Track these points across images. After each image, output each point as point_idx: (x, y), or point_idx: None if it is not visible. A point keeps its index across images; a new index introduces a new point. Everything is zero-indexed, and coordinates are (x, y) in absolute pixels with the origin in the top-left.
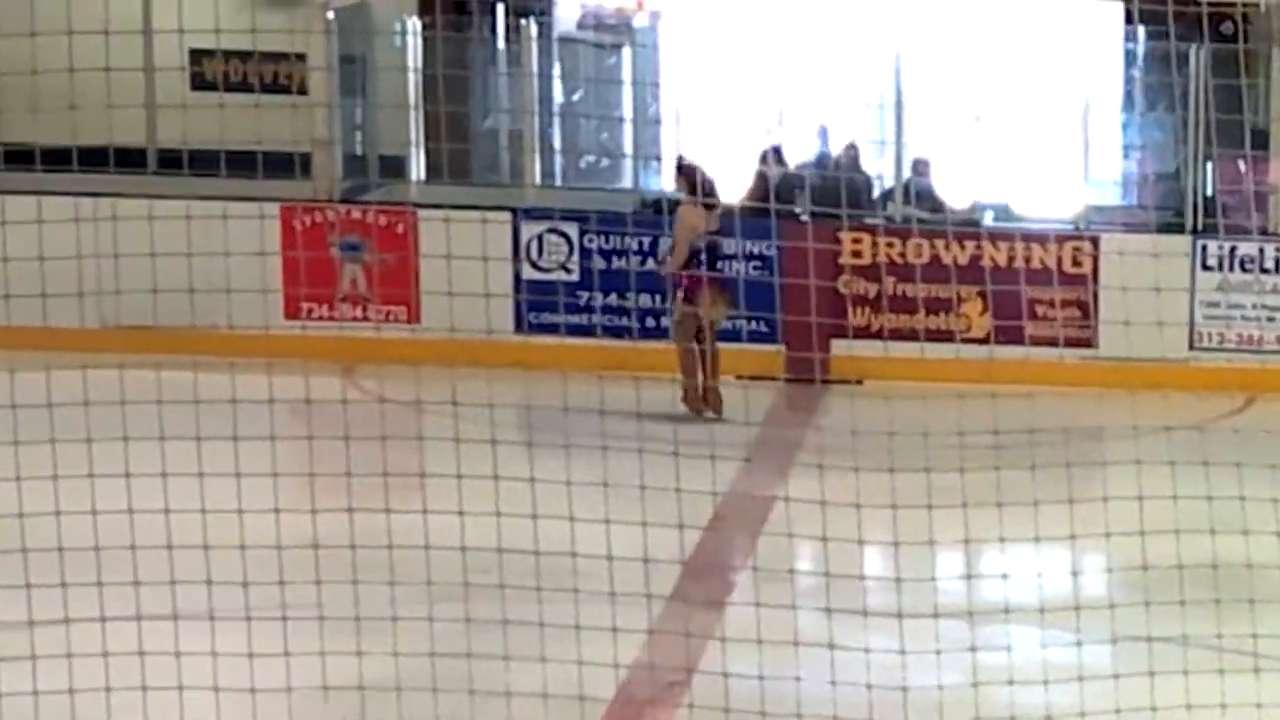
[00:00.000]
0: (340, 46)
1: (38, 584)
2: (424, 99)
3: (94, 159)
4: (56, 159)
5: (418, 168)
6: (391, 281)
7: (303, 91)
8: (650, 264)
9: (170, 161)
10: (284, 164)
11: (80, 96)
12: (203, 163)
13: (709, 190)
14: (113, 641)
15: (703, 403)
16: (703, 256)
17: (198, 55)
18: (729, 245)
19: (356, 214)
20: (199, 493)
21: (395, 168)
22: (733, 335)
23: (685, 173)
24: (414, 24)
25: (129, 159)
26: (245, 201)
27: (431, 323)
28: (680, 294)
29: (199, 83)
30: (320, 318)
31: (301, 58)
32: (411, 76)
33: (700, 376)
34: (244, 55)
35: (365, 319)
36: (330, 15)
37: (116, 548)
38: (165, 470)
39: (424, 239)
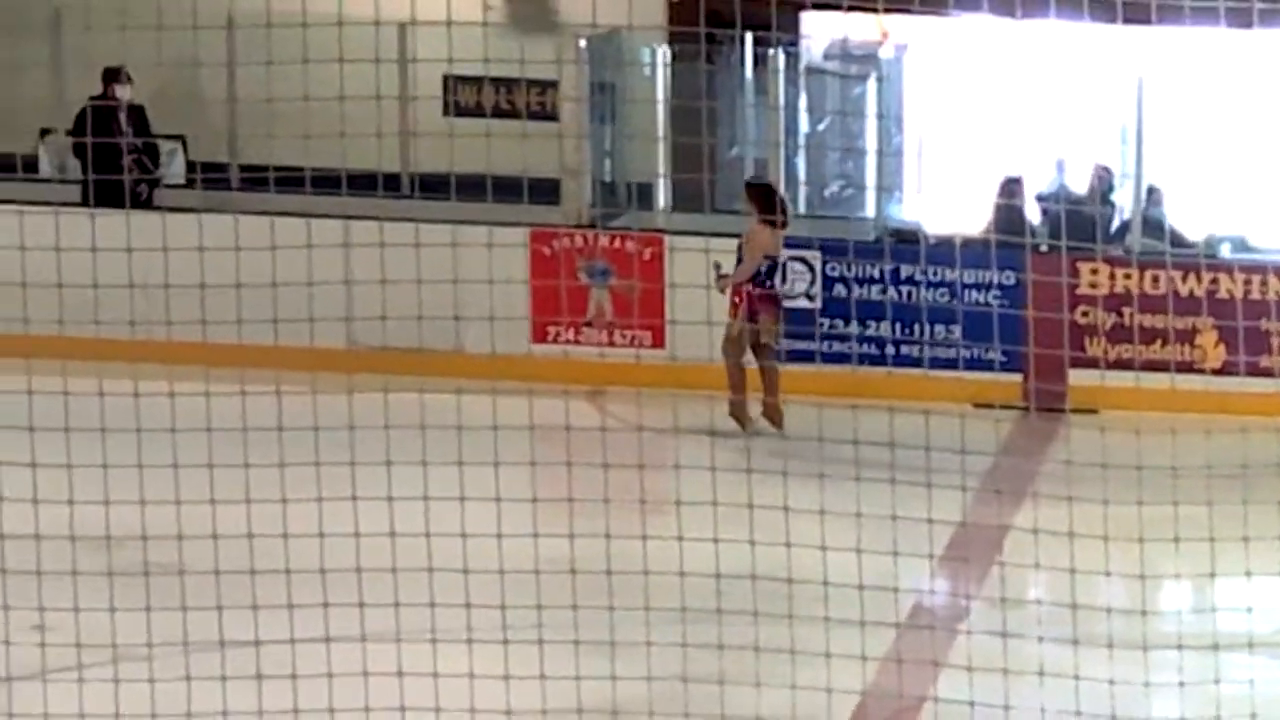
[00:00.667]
0: (591, 74)
1: (300, 604)
2: (672, 127)
3: (357, 183)
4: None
5: (665, 195)
6: (639, 308)
7: (554, 118)
8: (891, 294)
9: (424, 186)
10: (535, 190)
11: (341, 123)
12: (457, 188)
13: (781, 210)
14: (372, 662)
15: (761, 418)
16: (763, 275)
17: (453, 82)
18: (970, 275)
19: (605, 240)
20: (459, 515)
21: (643, 195)
22: (972, 364)
23: (757, 192)
24: (663, 52)
25: (387, 184)
26: (497, 226)
27: (677, 348)
28: (739, 311)
29: (454, 109)
30: (567, 342)
31: (554, 85)
32: (660, 105)
33: (748, 393)
34: (499, 82)
35: (611, 344)
36: (582, 44)
37: (377, 570)
38: (427, 494)
39: (670, 266)
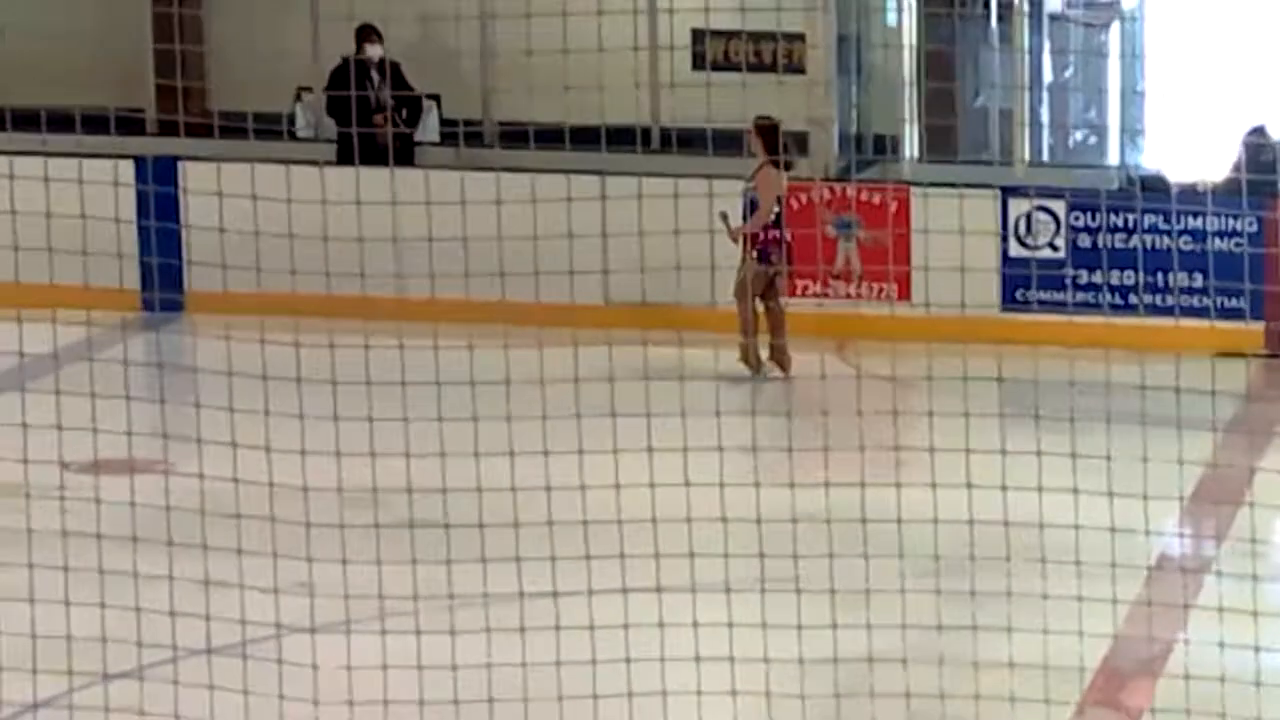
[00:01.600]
0: (838, 25)
1: (527, 557)
2: (917, 77)
3: (588, 137)
4: (550, 137)
5: (911, 146)
6: (883, 259)
7: (800, 71)
8: (1133, 241)
9: (669, 140)
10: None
11: (582, 77)
12: (704, 141)
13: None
14: (632, 614)
15: (769, 361)
16: (777, 217)
17: (698, 35)
18: (1214, 222)
19: (850, 192)
20: (682, 468)
21: (889, 146)
22: (1218, 312)
23: (764, 133)
24: (911, 2)
25: (628, 138)
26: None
27: (921, 299)
28: (754, 253)
29: (699, 62)
30: (815, 295)
31: (800, 37)
32: (907, 54)
33: (763, 337)
34: (745, 35)
35: (858, 296)
36: None
37: (637, 521)
38: (650, 445)
39: (915, 217)
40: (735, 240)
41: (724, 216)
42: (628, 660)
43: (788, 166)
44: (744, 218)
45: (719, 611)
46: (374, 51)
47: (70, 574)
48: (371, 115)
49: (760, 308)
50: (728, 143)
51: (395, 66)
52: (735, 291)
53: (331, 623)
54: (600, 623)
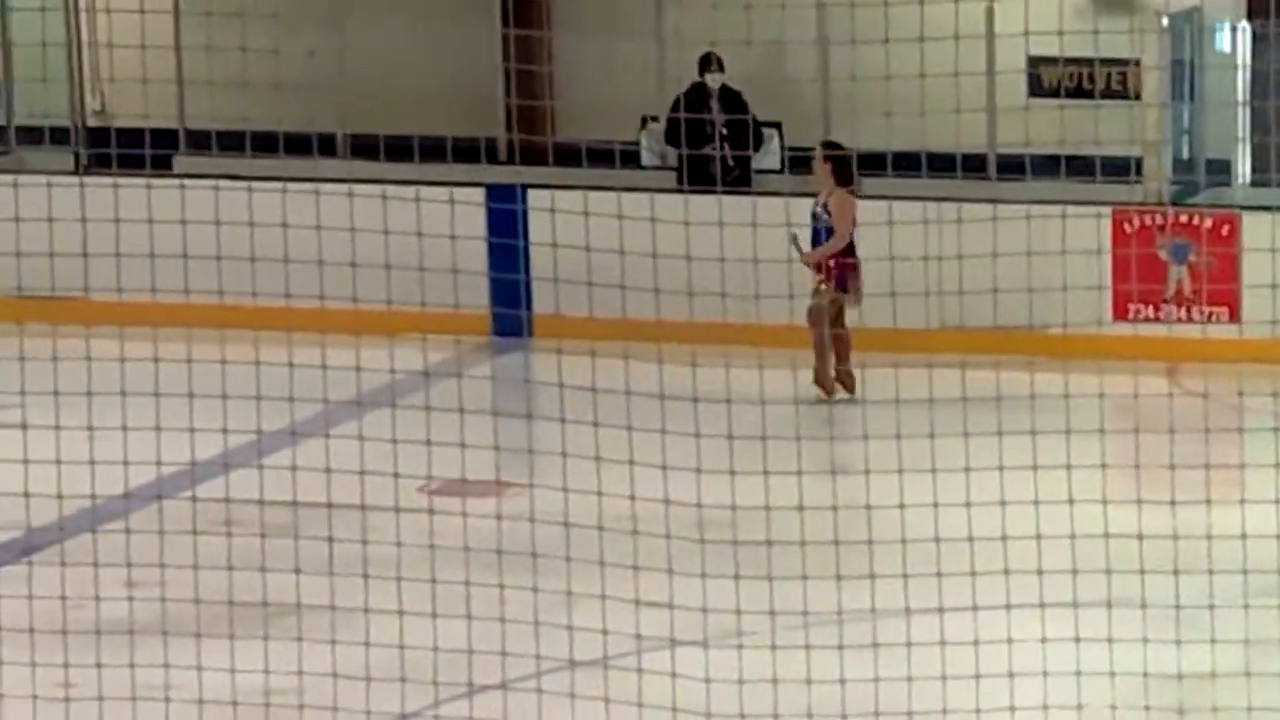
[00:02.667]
0: (1171, 51)
1: (881, 574)
2: (1251, 99)
3: (940, 164)
4: (908, 164)
5: (1243, 168)
6: (1216, 282)
7: (1135, 96)
8: None
9: (1009, 166)
10: (1115, 168)
11: (927, 102)
12: (1039, 167)
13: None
14: (950, 630)
15: (837, 384)
16: (854, 244)
17: (1035, 61)
18: None
19: (1184, 216)
20: (1032, 485)
21: (1221, 169)
22: None
23: (840, 161)
24: (1243, 26)
25: (970, 163)
26: (1073, 205)
27: (1252, 321)
28: (829, 281)
29: (1036, 88)
30: (1147, 319)
31: (1135, 62)
32: (1239, 76)
33: (832, 360)
34: (1080, 60)
35: (1190, 319)
36: (1164, 20)
37: (954, 540)
38: (1001, 464)
39: (1247, 239)
40: (810, 265)
41: (794, 240)
42: (977, 676)
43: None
44: (814, 243)
45: (1066, 627)
46: (712, 80)
47: (438, 588)
48: (707, 142)
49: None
50: (1053, 168)
51: (736, 94)
52: (810, 317)
53: (690, 638)
54: (950, 639)
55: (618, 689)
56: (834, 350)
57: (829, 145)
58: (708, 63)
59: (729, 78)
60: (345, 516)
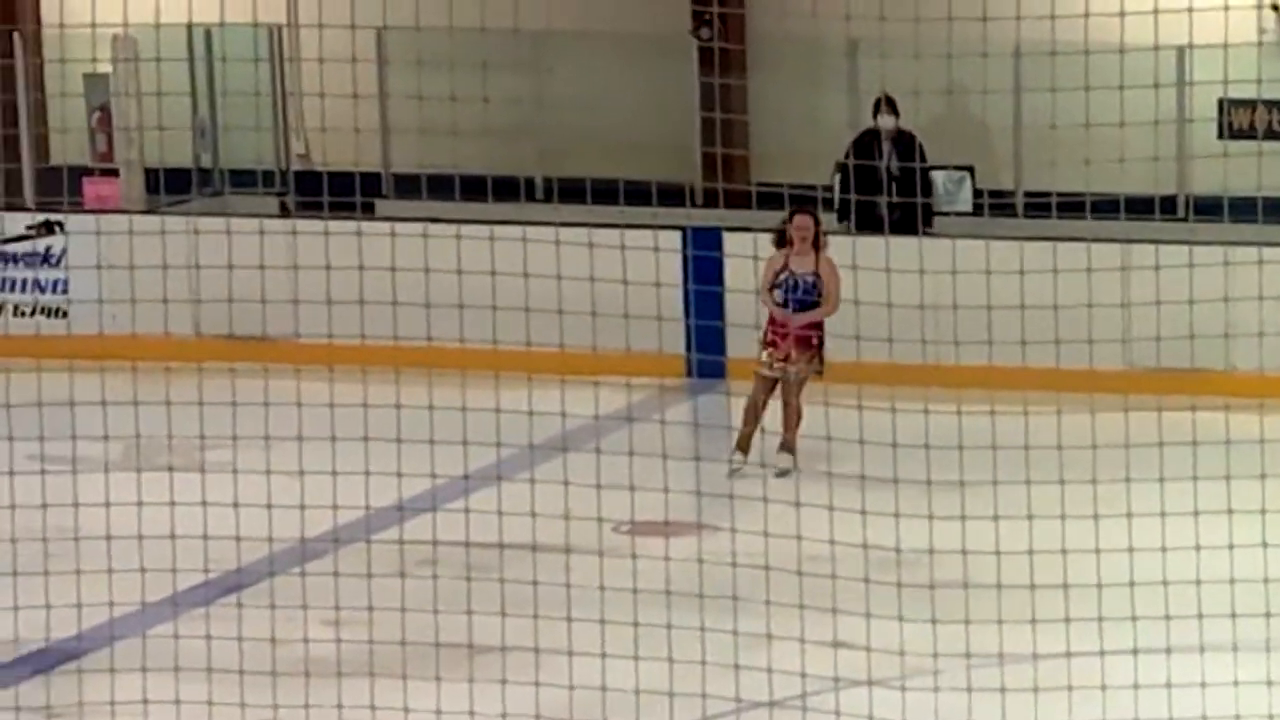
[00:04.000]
0: None
1: (1075, 618)
2: None
3: (1134, 207)
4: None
5: None
6: None
7: None
8: None
9: (1201, 209)
10: None
11: (1120, 146)
12: (1232, 209)
13: None
14: (1110, 674)
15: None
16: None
17: (1228, 104)
18: None
19: None
20: (1227, 528)
21: None
22: None
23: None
24: None
25: (1163, 206)
26: (1267, 246)
27: None
28: (814, 352)
29: (1229, 131)
30: None
31: None
32: None
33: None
34: (1271, 103)
35: None
36: None
37: (1115, 585)
38: (1163, 510)
39: None
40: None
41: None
42: None
43: None
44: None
45: (1226, 671)
46: (886, 122)
47: (638, 630)
48: (877, 185)
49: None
50: (1249, 210)
51: (911, 137)
52: (799, 390)
53: (886, 678)
54: (1111, 684)
55: None
56: (786, 420)
57: (807, 210)
58: (879, 105)
59: (914, 124)
60: (548, 558)
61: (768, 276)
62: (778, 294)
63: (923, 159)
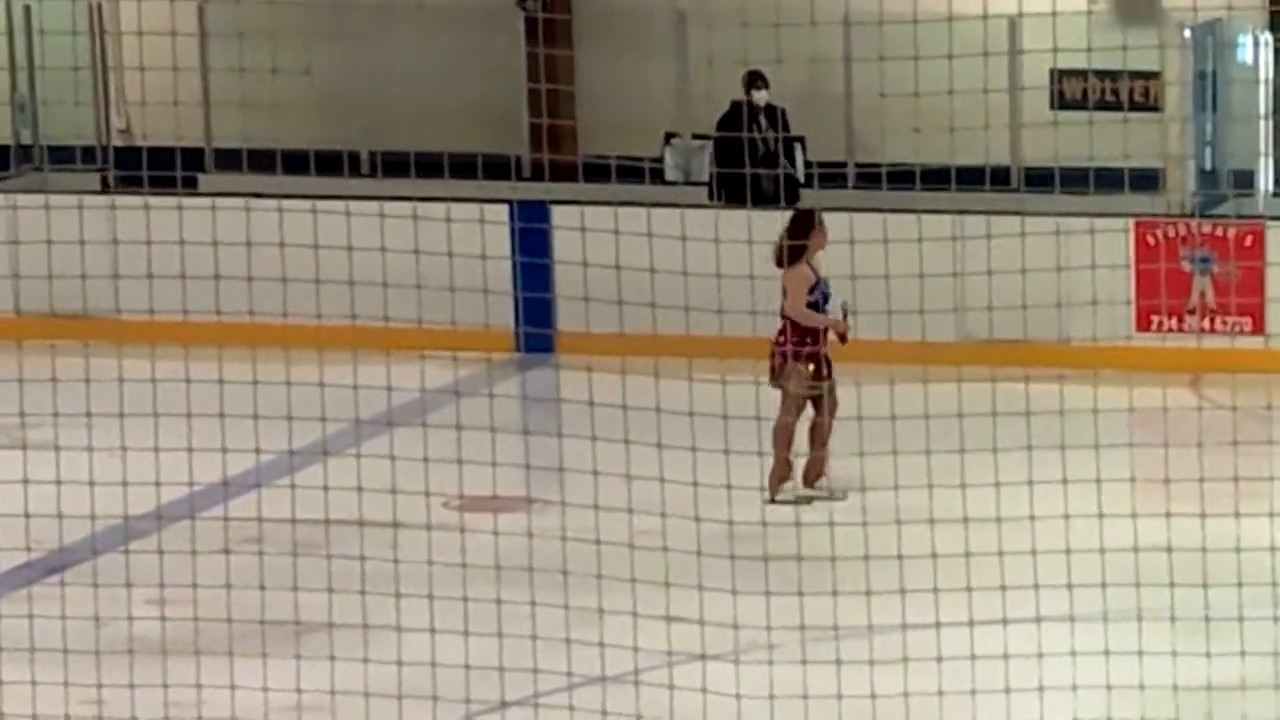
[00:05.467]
0: (1194, 63)
1: (911, 589)
2: (1274, 112)
3: (969, 178)
4: (936, 179)
5: (1266, 180)
6: (1239, 293)
7: (1158, 108)
8: None
9: (1035, 179)
10: (1138, 180)
11: (953, 118)
12: (1065, 180)
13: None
14: (979, 644)
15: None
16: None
17: (1060, 75)
18: None
19: (1207, 228)
20: (1062, 498)
21: (1244, 180)
22: None
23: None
24: (1266, 38)
25: (996, 177)
26: (1098, 218)
27: (1277, 332)
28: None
29: (1060, 101)
30: (1170, 330)
31: (1157, 75)
32: (1262, 88)
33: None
34: (1102, 74)
35: (1213, 330)
36: (1186, 33)
37: (984, 555)
38: (1031, 478)
39: (1271, 250)
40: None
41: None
42: (1007, 690)
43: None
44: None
45: (1096, 640)
46: (758, 97)
47: (469, 605)
48: (757, 159)
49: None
50: (1078, 181)
51: (781, 111)
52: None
53: (720, 653)
54: (980, 653)
55: (648, 704)
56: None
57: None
58: (753, 80)
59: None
60: (376, 534)
61: (805, 292)
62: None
63: (788, 131)
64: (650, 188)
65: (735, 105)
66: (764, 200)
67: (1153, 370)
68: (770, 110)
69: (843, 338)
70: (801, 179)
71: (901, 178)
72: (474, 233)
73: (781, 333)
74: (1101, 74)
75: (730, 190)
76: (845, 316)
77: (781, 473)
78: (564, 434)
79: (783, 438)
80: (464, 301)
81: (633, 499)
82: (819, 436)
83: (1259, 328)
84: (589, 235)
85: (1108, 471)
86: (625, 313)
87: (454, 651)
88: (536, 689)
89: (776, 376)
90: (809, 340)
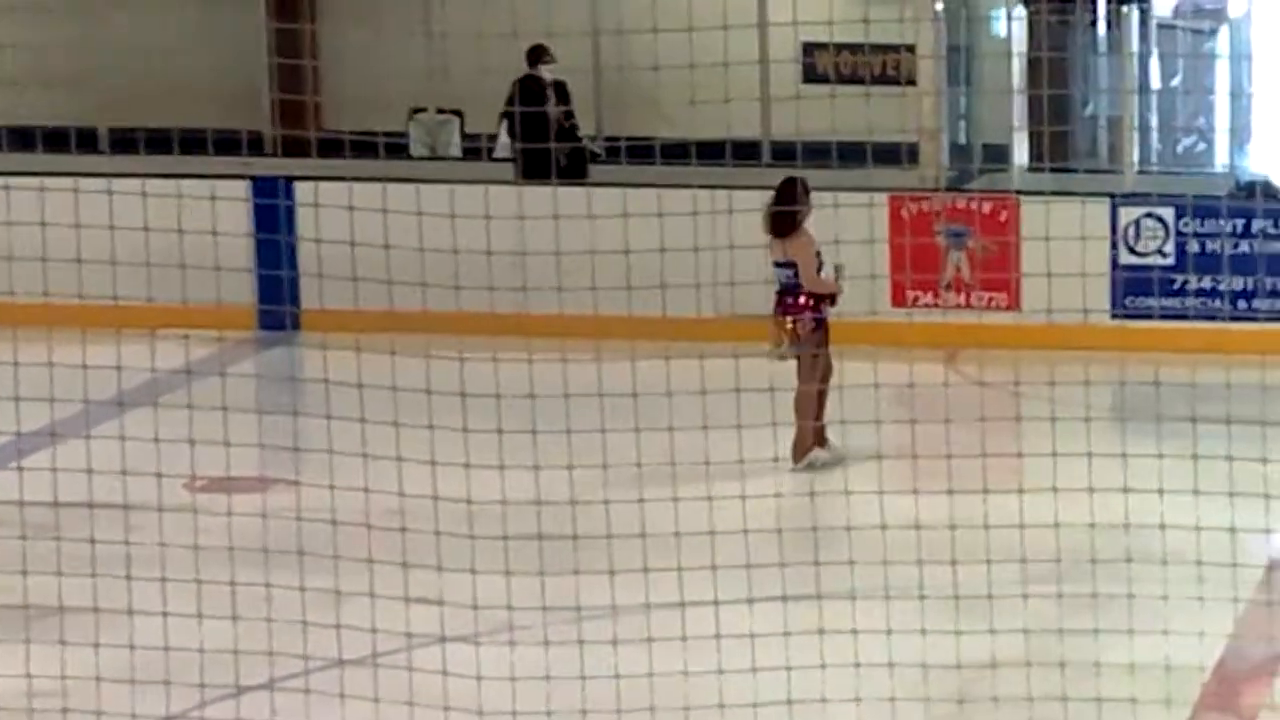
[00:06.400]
0: (947, 36)
1: (654, 569)
2: (1027, 86)
3: (713, 153)
4: (674, 153)
5: (1019, 154)
6: (993, 268)
7: (910, 82)
8: (1243, 246)
9: (783, 153)
10: (892, 154)
11: (699, 91)
12: (814, 154)
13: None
14: (725, 623)
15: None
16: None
17: (810, 48)
18: None
19: (961, 202)
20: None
21: (998, 155)
22: None
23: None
24: (1018, 11)
25: (744, 152)
26: (855, 191)
27: (1031, 308)
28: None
29: (811, 75)
30: (925, 305)
31: (909, 49)
32: (1015, 63)
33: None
34: (854, 47)
35: (968, 305)
36: (939, 6)
37: (730, 532)
38: (777, 455)
39: (1025, 225)
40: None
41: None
42: (754, 670)
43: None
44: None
45: (844, 619)
46: (548, 71)
47: (202, 588)
48: (548, 133)
49: None
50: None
51: (565, 85)
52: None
53: (461, 634)
54: (726, 633)
55: (388, 687)
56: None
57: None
58: (539, 54)
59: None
60: (108, 516)
61: (815, 259)
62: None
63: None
64: (393, 163)
65: (525, 80)
66: (560, 175)
67: (907, 345)
68: (558, 85)
69: (833, 299)
70: (599, 153)
71: (644, 152)
72: (213, 209)
73: (795, 300)
74: (854, 48)
75: (528, 166)
76: (838, 279)
77: (808, 442)
78: (300, 413)
79: (805, 405)
80: (203, 279)
81: (370, 478)
82: (807, 406)
83: (1014, 303)
84: (331, 210)
85: (854, 448)
86: (371, 290)
87: (188, 635)
88: (273, 673)
89: (793, 344)
90: (819, 306)
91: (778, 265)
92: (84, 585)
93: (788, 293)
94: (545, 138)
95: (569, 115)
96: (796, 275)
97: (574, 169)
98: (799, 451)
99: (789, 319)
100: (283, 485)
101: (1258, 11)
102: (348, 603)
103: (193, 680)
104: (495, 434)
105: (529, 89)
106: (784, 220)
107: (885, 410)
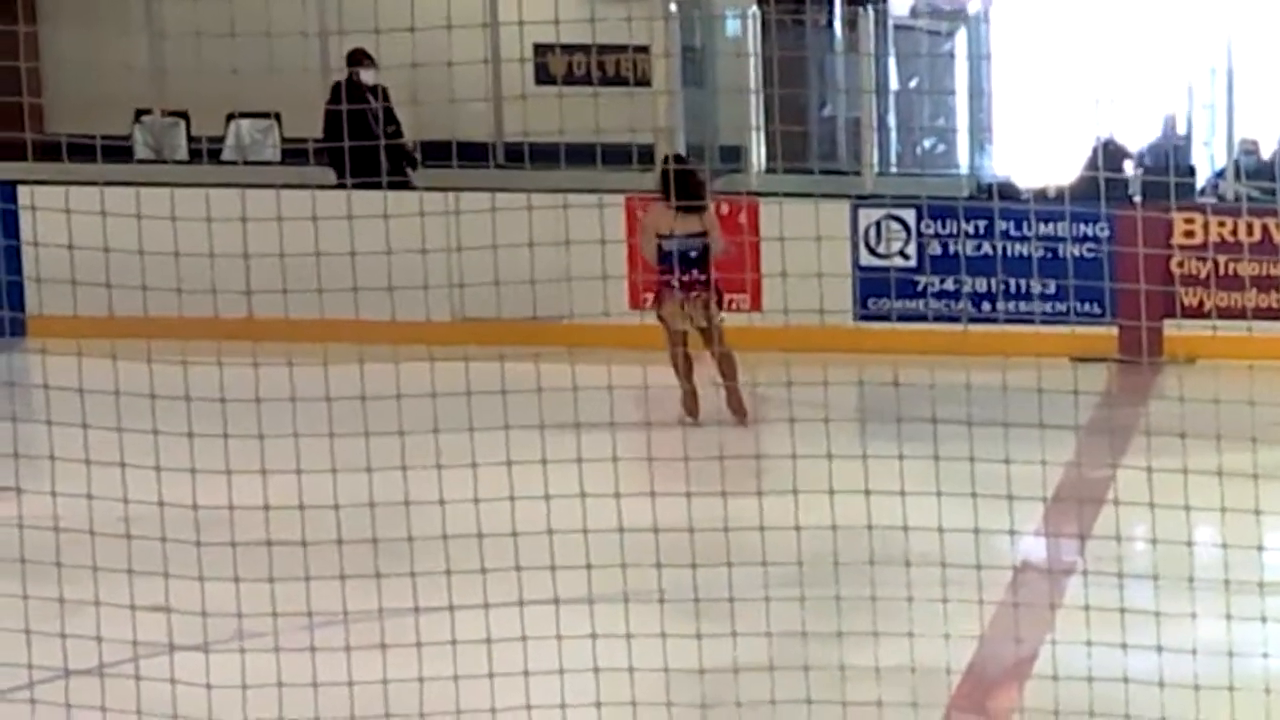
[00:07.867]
0: (681, 37)
1: (388, 574)
2: (763, 87)
3: (440, 153)
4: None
5: (758, 156)
6: (733, 269)
7: (645, 83)
8: (985, 247)
9: (514, 155)
10: (626, 155)
11: (425, 93)
12: (546, 155)
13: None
14: (495, 628)
15: (691, 408)
16: (673, 260)
17: (541, 49)
18: (1063, 228)
19: None
20: (543, 480)
21: (735, 156)
22: (1068, 317)
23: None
24: (754, 11)
25: (473, 153)
26: (588, 193)
27: (771, 309)
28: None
29: (542, 76)
30: None
31: (643, 49)
32: (752, 63)
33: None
34: (586, 48)
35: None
36: (673, 6)
37: (496, 535)
38: (509, 459)
39: (763, 227)
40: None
41: None
42: (491, 675)
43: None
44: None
45: (583, 623)
46: (367, 76)
47: None
48: (372, 135)
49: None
50: (573, 156)
51: (385, 90)
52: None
53: (189, 643)
54: (462, 638)
55: (115, 697)
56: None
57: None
58: (359, 58)
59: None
60: None
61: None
62: None
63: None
64: (121, 166)
65: (345, 84)
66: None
67: (642, 348)
68: (376, 89)
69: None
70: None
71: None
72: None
73: (704, 270)
74: (584, 48)
75: (342, 168)
76: None
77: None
78: (20, 419)
79: (731, 365)
80: None
81: (96, 486)
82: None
83: (756, 304)
84: (60, 215)
85: (589, 451)
86: (97, 295)
87: None
88: None
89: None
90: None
91: (687, 237)
92: None
93: (693, 264)
94: (369, 141)
95: (391, 117)
96: (706, 247)
97: (395, 171)
98: (740, 410)
99: (696, 292)
100: (4, 493)
101: (995, 12)
102: (73, 612)
103: None
104: (221, 438)
105: (349, 93)
106: (700, 192)
107: (620, 413)
